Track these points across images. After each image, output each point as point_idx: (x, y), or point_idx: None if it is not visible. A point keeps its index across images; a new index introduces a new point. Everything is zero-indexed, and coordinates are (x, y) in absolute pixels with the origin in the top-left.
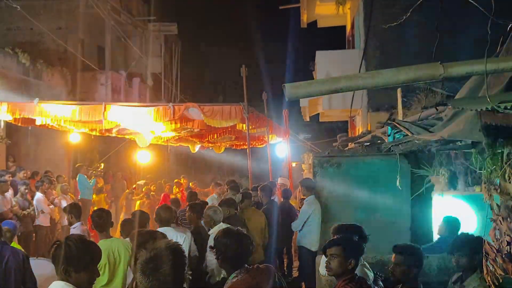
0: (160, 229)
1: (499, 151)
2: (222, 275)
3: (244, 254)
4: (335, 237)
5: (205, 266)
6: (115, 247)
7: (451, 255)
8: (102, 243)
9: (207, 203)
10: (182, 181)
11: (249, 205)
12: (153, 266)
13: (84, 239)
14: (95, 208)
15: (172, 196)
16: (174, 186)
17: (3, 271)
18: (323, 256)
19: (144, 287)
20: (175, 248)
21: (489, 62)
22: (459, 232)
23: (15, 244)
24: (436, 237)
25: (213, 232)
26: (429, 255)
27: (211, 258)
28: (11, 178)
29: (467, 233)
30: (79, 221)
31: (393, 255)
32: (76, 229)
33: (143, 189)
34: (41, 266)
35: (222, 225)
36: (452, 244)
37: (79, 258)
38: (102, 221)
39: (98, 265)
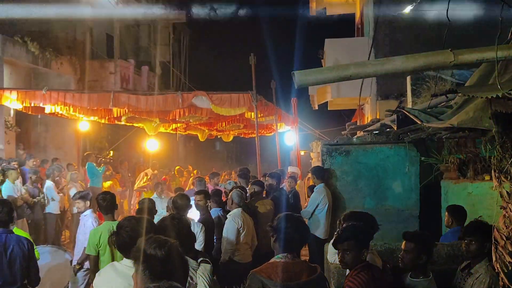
0: None
1: (509, 138)
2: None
3: (292, 240)
4: (344, 225)
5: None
6: None
7: (462, 241)
8: (105, 224)
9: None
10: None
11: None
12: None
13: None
14: None
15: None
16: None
17: (8, 261)
18: (331, 243)
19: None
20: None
21: (500, 49)
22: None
23: (19, 230)
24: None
25: (230, 214)
26: (438, 243)
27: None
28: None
29: (480, 220)
30: (90, 208)
31: (403, 242)
32: (86, 216)
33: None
34: (52, 253)
35: (240, 210)
36: (464, 230)
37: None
38: (106, 203)
39: (99, 245)
